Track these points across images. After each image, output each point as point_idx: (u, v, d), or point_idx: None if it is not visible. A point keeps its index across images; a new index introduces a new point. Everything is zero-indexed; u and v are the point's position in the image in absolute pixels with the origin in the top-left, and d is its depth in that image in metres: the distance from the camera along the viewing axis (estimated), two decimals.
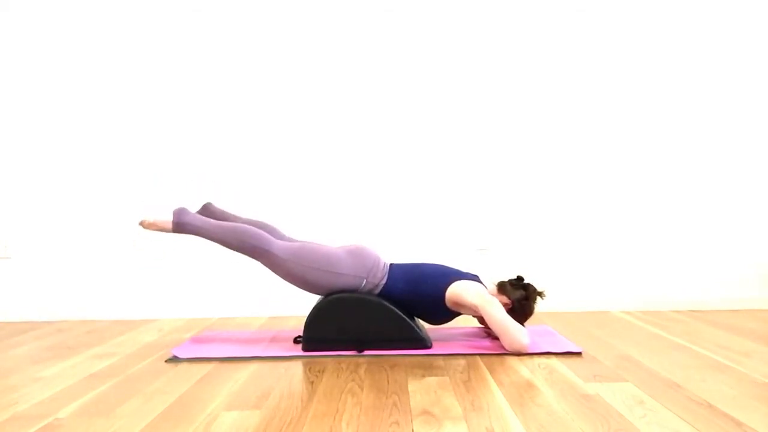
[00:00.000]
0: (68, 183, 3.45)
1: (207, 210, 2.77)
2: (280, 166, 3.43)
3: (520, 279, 2.65)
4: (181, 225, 2.54)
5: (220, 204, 3.41)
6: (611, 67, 3.41)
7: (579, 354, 2.39)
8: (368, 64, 3.43)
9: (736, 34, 3.40)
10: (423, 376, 2.12)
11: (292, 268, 2.51)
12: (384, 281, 2.55)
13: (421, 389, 1.97)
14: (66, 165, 3.45)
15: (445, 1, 3.41)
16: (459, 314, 2.58)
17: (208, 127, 3.43)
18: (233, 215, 2.78)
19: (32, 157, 3.45)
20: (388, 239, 3.44)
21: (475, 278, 2.60)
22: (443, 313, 2.56)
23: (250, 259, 3.40)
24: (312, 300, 3.30)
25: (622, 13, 3.40)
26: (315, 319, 2.49)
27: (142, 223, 2.58)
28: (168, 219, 2.57)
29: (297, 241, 2.67)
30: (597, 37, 3.41)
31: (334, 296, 2.51)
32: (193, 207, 3.42)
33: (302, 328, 2.81)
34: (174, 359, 2.42)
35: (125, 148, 3.44)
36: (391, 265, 2.63)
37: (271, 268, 2.56)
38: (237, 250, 2.54)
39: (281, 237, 2.72)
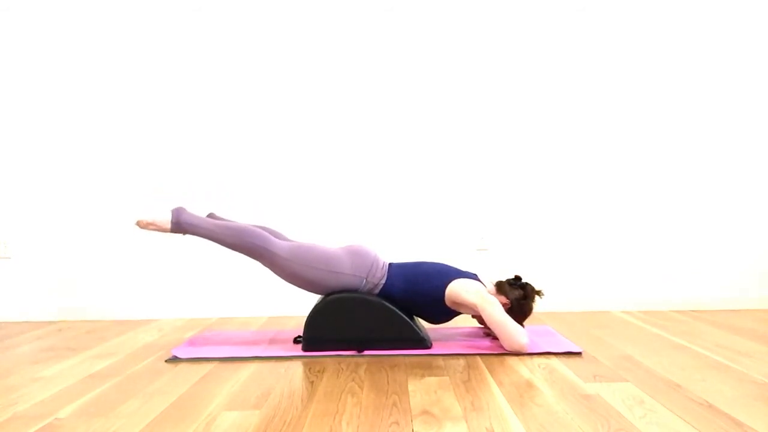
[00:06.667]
0: (68, 183, 3.45)
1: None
2: (280, 167, 3.43)
3: (518, 279, 2.64)
4: (179, 224, 2.52)
5: (223, 209, 3.41)
6: (612, 70, 3.41)
7: (579, 354, 2.39)
8: (368, 64, 3.43)
9: (735, 34, 3.40)
10: (423, 376, 2.12)
11: (292, 267, 2.51)
12: (383, 280, 2.55)
13: (421, 389, 1.97)
14: (66, 165, 3.45)
15: (445, 2, 3.41)
16: (459, 314, 2.58)
17: (208, 128, 3.43)
18: (235, 222, 2.76)
19: (32, 157, 3.45)
20: (388, 239, 3.44)
21: (474, 277, 2.60)
22: (443, 312, 2.56)
23: (250, 259, 3.43)
24: (312, 300, 3.30)
25: (621, 13, 3.40)
26: (315, 319, 2.49)
27: (138, 223, 2.53)
28: (167, 219, 2.53)
29: (297, 242, 2.67)
30: (595, 37, 3.41)
31: (334, 296, 2.51)
32: (196, 211, 3.43)
33: (302, 328, 2.81)
34: (174, 359, 2.42)
35: (125, 149, 3.44)
36: (390, 264, 2.63)
37: (271, 268, 2.55)
38: (237, 249, 2.52)
39: (283, 239, 2.71)
